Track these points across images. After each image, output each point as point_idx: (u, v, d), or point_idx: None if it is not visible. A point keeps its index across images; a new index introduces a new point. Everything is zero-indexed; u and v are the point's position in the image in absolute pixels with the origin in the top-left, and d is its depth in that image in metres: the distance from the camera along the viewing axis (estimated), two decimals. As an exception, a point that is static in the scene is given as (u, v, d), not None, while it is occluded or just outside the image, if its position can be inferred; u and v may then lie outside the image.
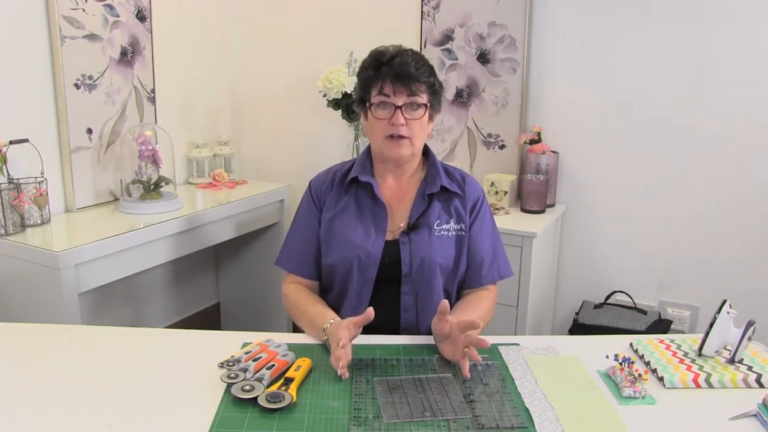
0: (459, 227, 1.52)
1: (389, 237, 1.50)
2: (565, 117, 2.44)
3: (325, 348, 1.31)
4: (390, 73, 1.43)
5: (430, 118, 1.51)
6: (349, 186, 1.55)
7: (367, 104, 1.48)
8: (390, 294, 1.49)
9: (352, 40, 2.62)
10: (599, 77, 2.36)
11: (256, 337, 1.35)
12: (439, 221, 1.51)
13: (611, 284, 2.45)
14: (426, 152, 1.59)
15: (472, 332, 1.24)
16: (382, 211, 1.51)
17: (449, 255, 1.51)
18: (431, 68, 1.50)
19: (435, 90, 1.49)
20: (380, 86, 1.45)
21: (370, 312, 1.26)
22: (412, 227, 1.50)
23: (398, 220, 1.52)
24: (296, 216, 1.62)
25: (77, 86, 2.23)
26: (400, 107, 1.43)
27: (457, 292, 1.57)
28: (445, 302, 1.28)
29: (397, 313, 1.50)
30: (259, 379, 1.16)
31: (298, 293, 1.54)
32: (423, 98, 1.45)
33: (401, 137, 1.45)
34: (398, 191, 1.55)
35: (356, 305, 1.49)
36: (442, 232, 1.51)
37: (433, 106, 1.50)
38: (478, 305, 1.49)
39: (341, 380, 1.19)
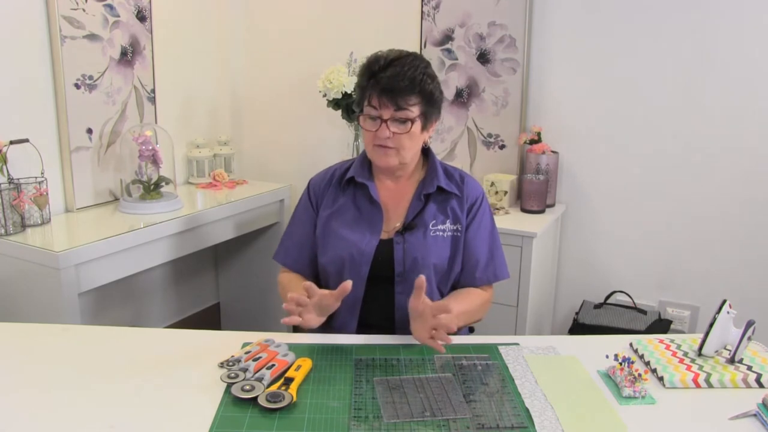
0: (455, 228, 1.52)
1: (384, 236, 1.51)
2: (565, 117, 2.44)
3: (325, 348, 1.31)
4: (377, 86, 1.41)
5: (425, 127, 1.48)
6: (347, 186, 1.56)
7: (357, 114, 1.49)
8: (384, 293, 1.50)
9: (352, 40, 2.63)
10: (599, 77, 2.36)
11: (256, 337, 1.35)
12: (435, 221, 1.51)
13: (611, 284, 2.45)
14: (426, 152, 1.58)
15: (443, 316, 1.24)
16: (378, 213, 1.51)
17: (444, 255, 1.50)
18: (430, 76, 1.45)
19: (432, 99, 1.45)
20: (369, 98, 1.44)
21: (348, 284, 1.27)
22: (407, 227, 1.50)
23: (394, 220, 1.53)
24: (294, 213, 1.64)
25: (77, 86, 2.23)
26: (386, 121, 1.42)
27: (450, 292, 1.57)
28: (422, 277, 1.27)
29: (392, 312, 1.50)
30: (259, 379, 1.16)
31: (289, 278, 1.59)
32: (412, 112, 1.43)
33: (388, 147, 1.45)
34: (396, 192, 1.55)
35: (351, 303, 1.49)
36: (438, 233, 1.50)
37: (427, 116, 1.47)
38: (468, 300, 1.50)
39: (341, 380, 1.19)
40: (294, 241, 1.60)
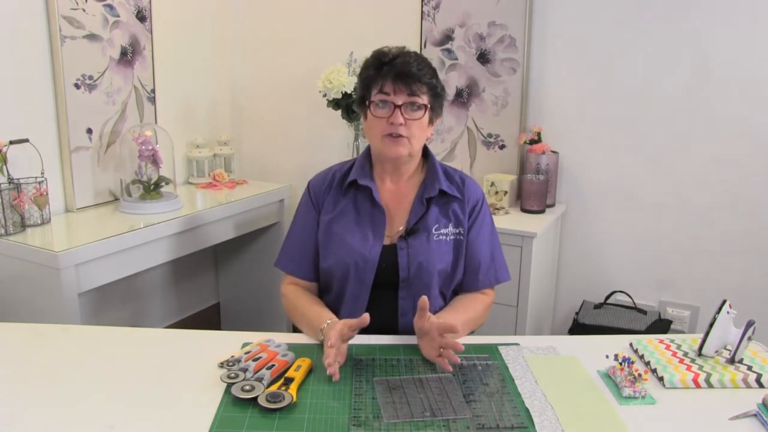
0: (457, 231, 1.51)
1: (387, 241, 1.49)
2: (565, 117, 2.44)
3: (323, 348, 1.31)
4: (391, 72, 1.42)
5: (431, 121, 1.49)
6: (348, 188, 1.54)
7: (367, 103, 1.47)
8: (387, 298, 1.48)
9: (352, 40, 2.63)
10: (599, 77, 2.35)
11: (256, 337, 1.35)
12: (437, 225, 1.50)
13: (611, 284, 2.45)
14: (426, 154, 1.58)
15: (450, 336, 1.24)
16: (381, 216, 1.50)
17: (447, 259, 1.49)
18: (434, 71, 1.48)
19: (437, 92, 1.47)
20: (381, 85, 1.44)
21: (366, 318, 1.26)
22: (410, 232, 1.49)
23: (397, 224, 1.51)
24: (295, 217, 1.61)
25: (77, 86, 2.23)
26: (399, 106, 1.42)
27: (453, 296, 1.56)
28: (424, 298, 1.28)
29: (395, 317, 1.49)
30: (259, 379, 1.16)
31: (296, 294, 1.53)
32: (423, 99, 1.44)
33: (400, 136, 1.44)
34: (397, 194, 1.54)
35: (354, 308, 1.48)
36: (441, 237, 1.49)
37: (434, 109, 1.48)
38: (471, 308, 1.49)
39: (341, 380, 1.19)
40: (297, 246, 1.56)
